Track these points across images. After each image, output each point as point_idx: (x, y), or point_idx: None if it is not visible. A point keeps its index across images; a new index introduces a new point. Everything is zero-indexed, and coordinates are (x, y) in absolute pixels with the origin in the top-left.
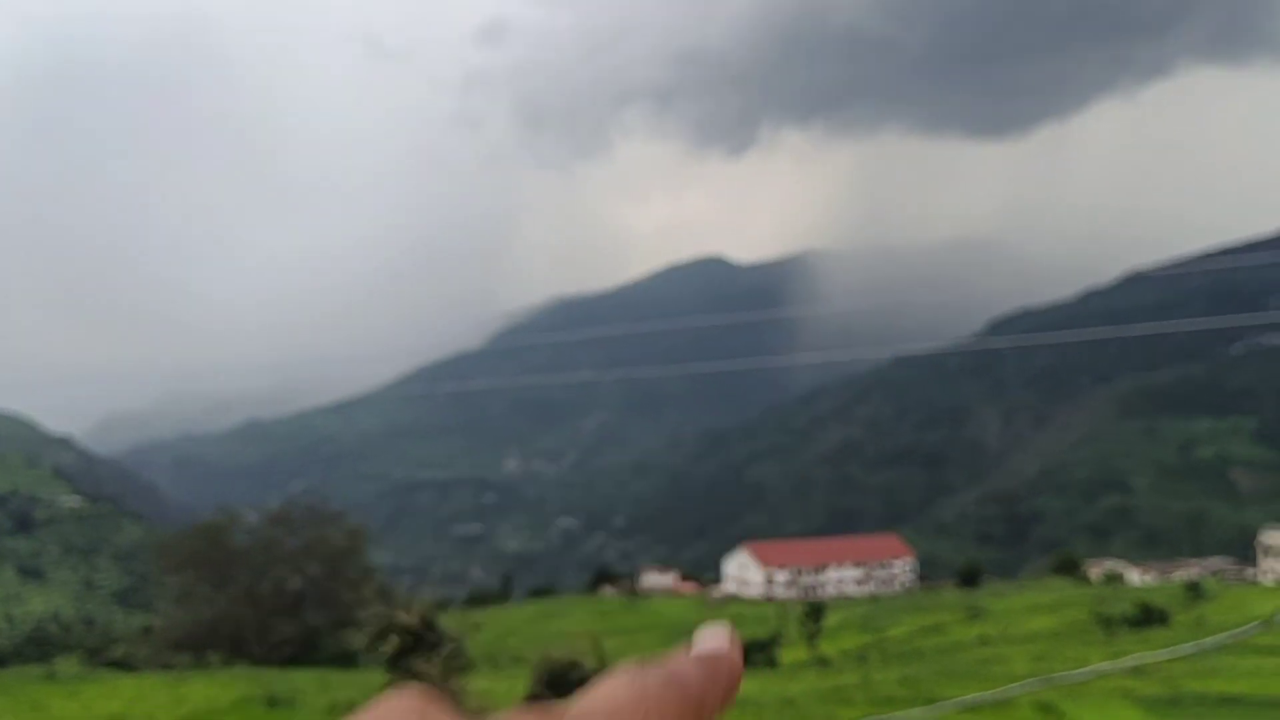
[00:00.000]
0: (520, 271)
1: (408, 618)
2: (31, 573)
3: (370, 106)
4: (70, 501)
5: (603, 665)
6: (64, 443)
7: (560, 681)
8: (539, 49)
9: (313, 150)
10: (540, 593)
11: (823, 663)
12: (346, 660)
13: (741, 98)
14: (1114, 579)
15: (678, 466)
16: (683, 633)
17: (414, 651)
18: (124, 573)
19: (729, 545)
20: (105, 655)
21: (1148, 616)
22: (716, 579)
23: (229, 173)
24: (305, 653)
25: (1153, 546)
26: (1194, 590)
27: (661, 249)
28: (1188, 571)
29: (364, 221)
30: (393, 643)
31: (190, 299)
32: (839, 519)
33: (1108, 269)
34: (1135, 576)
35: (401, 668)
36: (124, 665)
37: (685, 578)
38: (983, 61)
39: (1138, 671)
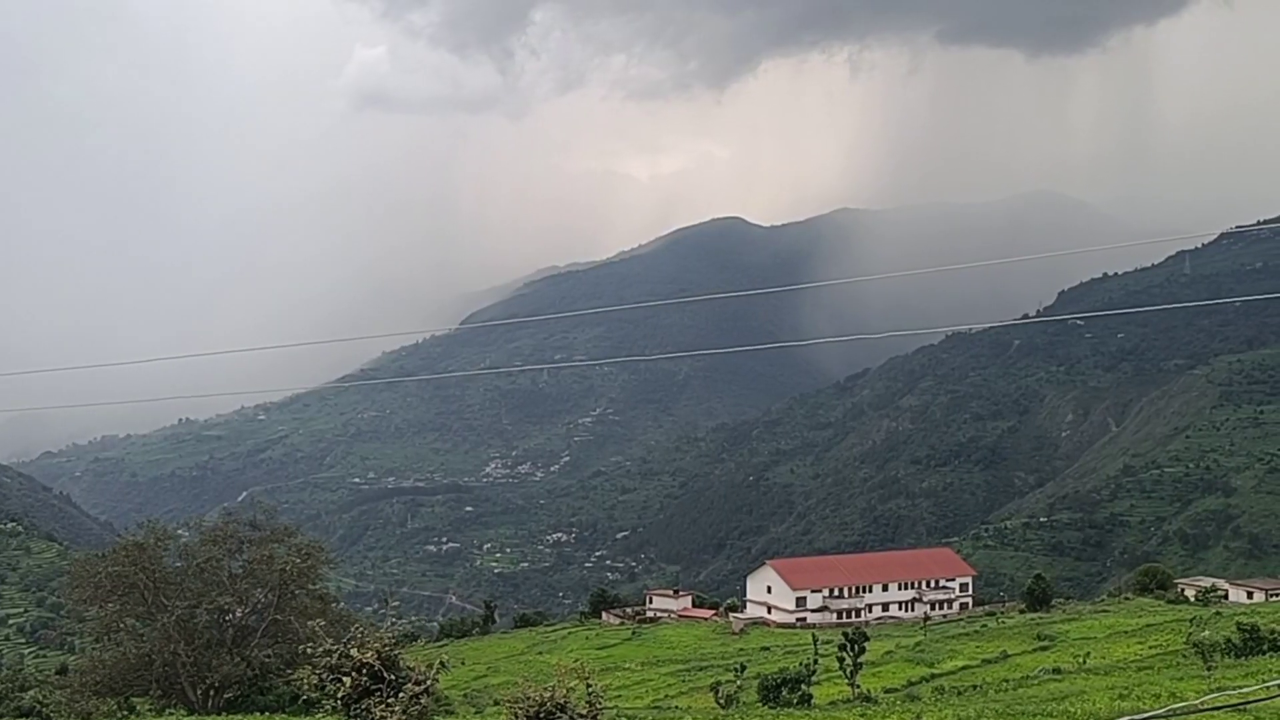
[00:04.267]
0: (500, 238)
1: (362, 654)
2: None
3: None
4: None
5: (595, 707)
6: None
7: None
8: None
9: (228, 114)
10: (529, 621)
11: (866, 700)
12: (299, 703)
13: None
14: (1212, 598)
15: (690, 469)
16: (697, 668)
17: (371, 694)
18: (34, 604)
19: (752, 563)
20: (13, 702)
21: (1255, 643)
22: (737, 603)
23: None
24: (251, 695)
25: (1259, 559)
26: None
27: (668, 209)
28: None
29: (300, 179)
30: (345, 685)
31: (111, 268)
32: (883, 530)
33: (1202, 225)
34: (1238, 595)
35: (358, 714)
36: (36, 714)
37: (700, 602)
38: None
39: (1240, 711)
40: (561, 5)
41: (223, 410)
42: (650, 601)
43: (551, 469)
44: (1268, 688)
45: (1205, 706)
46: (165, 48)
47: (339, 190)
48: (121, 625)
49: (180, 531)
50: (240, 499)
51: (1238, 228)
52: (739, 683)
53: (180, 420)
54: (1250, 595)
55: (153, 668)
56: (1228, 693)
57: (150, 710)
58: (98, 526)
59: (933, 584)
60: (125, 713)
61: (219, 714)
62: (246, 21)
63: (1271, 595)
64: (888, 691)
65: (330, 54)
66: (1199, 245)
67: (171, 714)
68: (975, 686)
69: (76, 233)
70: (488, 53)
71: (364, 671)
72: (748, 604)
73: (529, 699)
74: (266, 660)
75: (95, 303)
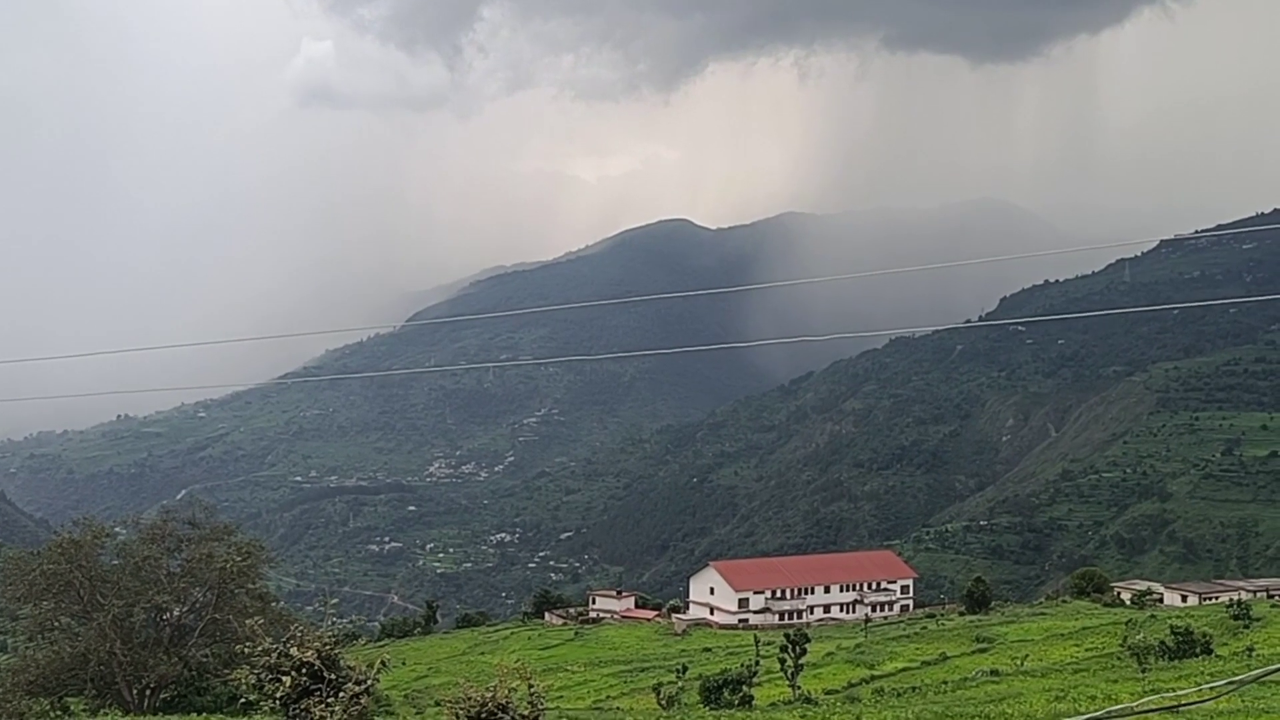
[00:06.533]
0: (446, 237)
1: (302, 653)
2: None
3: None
4: None
5: (537, 708)
6: None
7: None
8: None
9: (170, 107)
10: (471, 622)
11: (806, 702)
12: (238, 704)
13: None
14: (1148, 601)
15: (635, 470)
16: (639, 669)
17: (311, 694)
18: None
19: (695, 564)
20: None
21: (1188, 646)
22: (680, 604)
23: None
24: (188, 695)
25: (1193, 563)
26: (1241, 614)
27: (615, 210)
28: (1234, 593)
29: (243, 175)
30: (284, 684)
31: (48, 264)
32: (825, 532)
33: (1142, 234)
34: (1173, 598)
35: (297, 714)
36: None
37: (643, 603)
38: None
39: (1175, 714)
40: (510, 3)
41: (162, 407)
42: (593, 602)
43: (496, 469)
44: (1200, 690)
45: (1141, 709)
46: (105, 39)
47: (283, 187)
48: (56, 624)
49: (117, 529)
50: (179, 497)
51: (1176, 237)
52: (681, 684)
53: (119, 416)
54: (1184, 599)
55: (88, 667)
56: (1164, 695)
57: (85, 710)
58: (33, 524)
59: (874, 586)
60: (59, 713)
61: (155, 714)
62: (190, 12)
63: (1205, 599)
64: (828, 693)
65: (276, 47)
66: (1139, 254)
67: (107, 714)
68: (915, 688)
69: (11, 227)
70: (436, 49)
71: (303, 671)
72: (690, 605)
73: (470, 699)
74: (204, 660)
75: (31, 299)
